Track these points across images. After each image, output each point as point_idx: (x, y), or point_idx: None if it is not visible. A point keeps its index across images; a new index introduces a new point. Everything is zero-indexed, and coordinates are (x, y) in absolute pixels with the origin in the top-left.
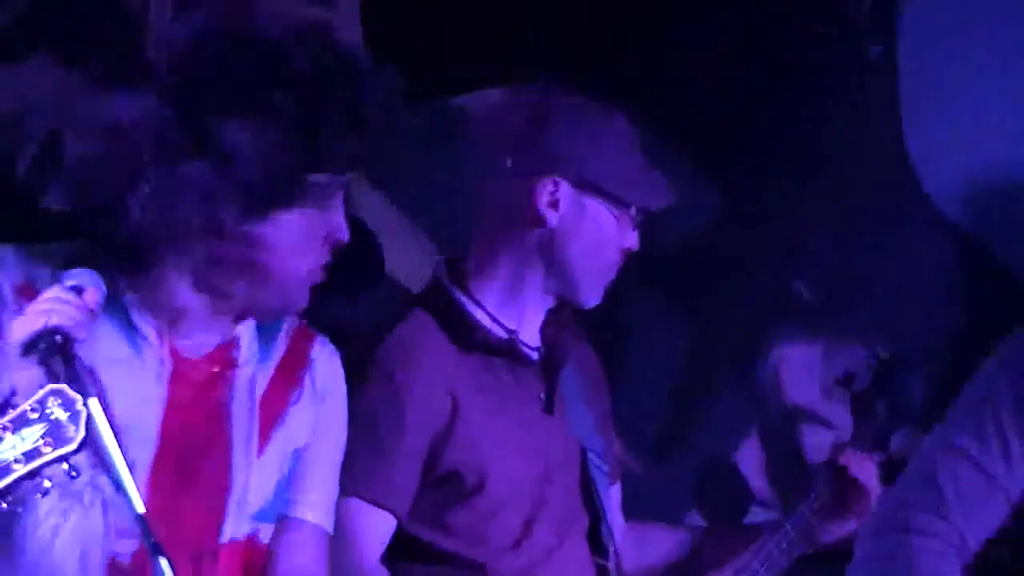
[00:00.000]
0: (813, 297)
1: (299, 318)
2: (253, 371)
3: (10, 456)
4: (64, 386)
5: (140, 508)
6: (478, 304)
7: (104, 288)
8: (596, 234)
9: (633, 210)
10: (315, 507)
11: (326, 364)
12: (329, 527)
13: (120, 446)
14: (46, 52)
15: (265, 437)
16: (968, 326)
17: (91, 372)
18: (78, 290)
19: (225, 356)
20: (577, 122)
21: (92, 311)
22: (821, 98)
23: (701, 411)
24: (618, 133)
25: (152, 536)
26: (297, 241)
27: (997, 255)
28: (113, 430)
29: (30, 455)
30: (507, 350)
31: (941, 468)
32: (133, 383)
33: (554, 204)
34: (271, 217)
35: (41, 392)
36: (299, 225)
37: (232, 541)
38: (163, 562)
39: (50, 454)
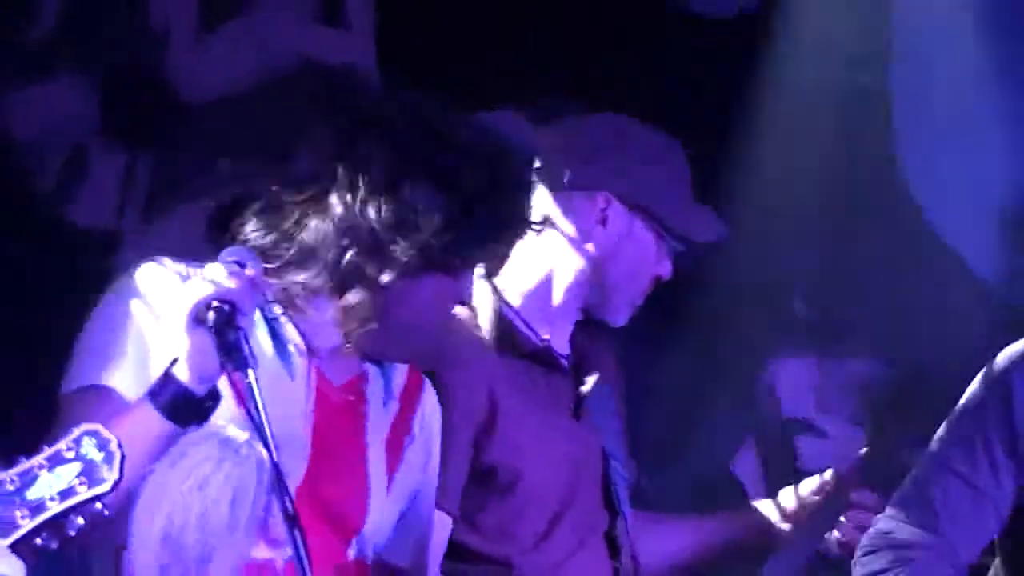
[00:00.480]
0: (810, 313)
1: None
2: (378, 407)
3: (46, 494)
4: (99, 426)
5: (287, 487)
6: (516, 312)
7: (261, 266)
8: (638, 257)
9: (670, 239)
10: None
11: (432, 408)
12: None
13: (270, 426)
14: (72, 72)
15: (392, 471)
16: (963, 345)
17: (249, 345)
18: (240, 264)
19: (358, 388)
20: (642, 145)
21: (256, 284)
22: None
23: (700, 422)
24: (675, 162)
25: (294, 510)
26: (432, 301)
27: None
28: (267, 415)
29: (65, 494)
30: (542, 357)
31: (933, 485)
32: (285, 399)
33: (603, 221)
34: (422, 278)
35: (76, 432)
36: (439, 287)
37: (358, 560)
38: (299, 539)
39: (84, 493)
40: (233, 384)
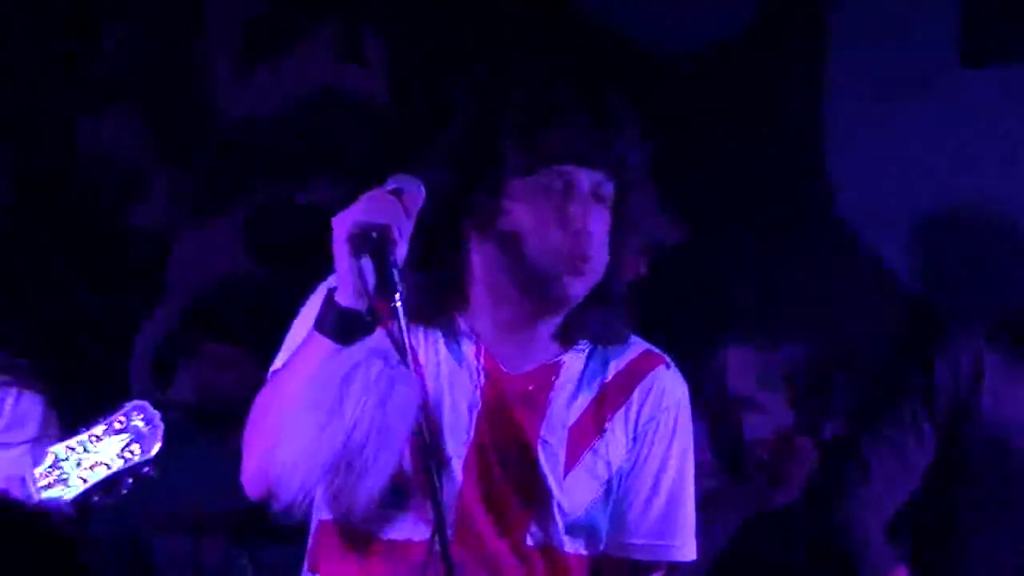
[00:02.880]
0: (750, 303)
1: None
2: (572, 395)
3: (103, 458)
4: (145, 403)
5: (431, 411)
6: None
7: (423, 193)
8: None
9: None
10: (639, 551)
11: (661, 392)
12: (656, 556)
13: (410, 346)
14: (130, 99)
15: (572, 462)
16: (885, 332)
17: (399, 273)
18: (398, 192)
19: (544, 378)
20: None
21: (408, 212)
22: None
23: None
24: None
25: (435, 437)
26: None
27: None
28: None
29: (118, 459)
30: None
31: (868, 448)
32: (451, 382)
33: None
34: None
35: (127, 406)
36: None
37: (539, 546)
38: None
39: (135, 459)
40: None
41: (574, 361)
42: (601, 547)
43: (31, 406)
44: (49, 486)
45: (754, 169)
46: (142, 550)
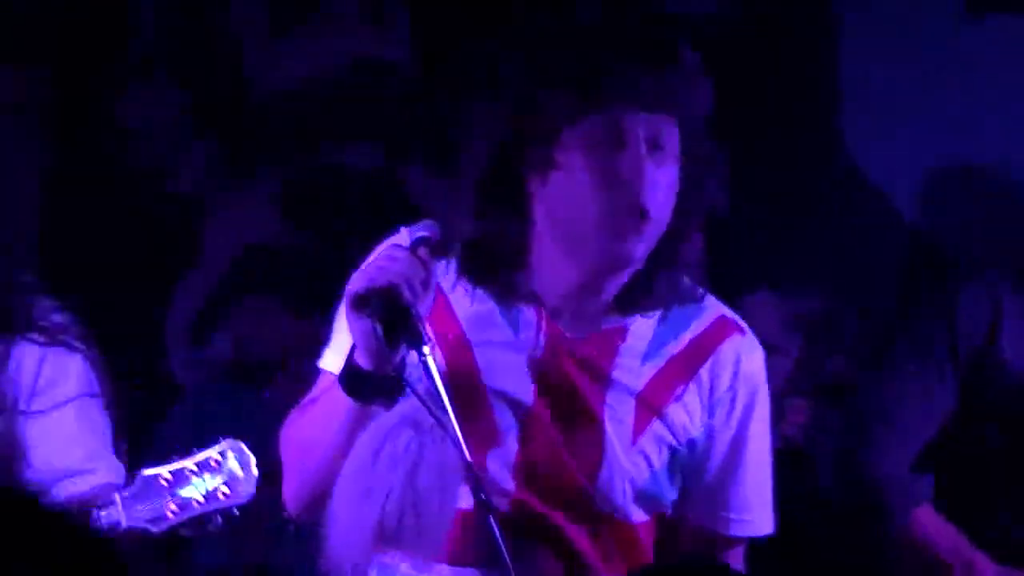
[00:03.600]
0: (771, 256)
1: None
2: (638, 362)
3: (194, 496)
4: (242, 444)
5: (467, 456)
6: None
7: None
8: None
9: None
10: (720, 524)
11: (736, 361)
12: (733, 531)
13: (450, 400)
14: (166, 72)
15: (640, 429)
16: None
17: (423, 324)
18: (422, 242)
19: (608, 344)
20: None
21: (427, 266)
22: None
23: None
24: None
25: (483, 492)
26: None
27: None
28: (445, 384)
29: (209, 498)
30: None
31: (889, 386)
32: (507, 356)
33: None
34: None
35: (223, 445)
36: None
37: (605, 513)
38: (493, 523)
39: (226, 501)
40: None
41: (642, 327)
42: (668, 514)
43: (63, 366)
44: (139, 515)
45: (765, 127)
46: None
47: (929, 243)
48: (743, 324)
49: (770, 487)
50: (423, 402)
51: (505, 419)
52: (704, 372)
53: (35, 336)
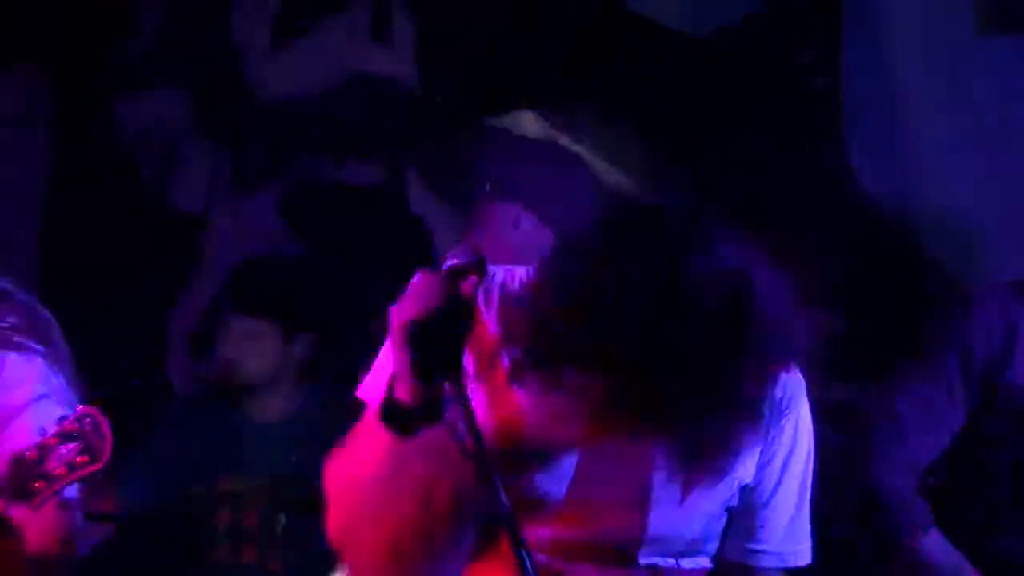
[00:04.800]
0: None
1: None
2: None
3: (58, 465)
4: (94, 409)
5: (504, 500)
6: None
7: (478, 261)
8: None
9: None
10: (763, 558)
11: (781, 394)
12: (790, 562)
13: (493, 439)
14: (166, 81)
15: (693, 482)
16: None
17: (463, 356)
18: (457, 272)
19: None
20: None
21: (464, 297)
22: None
23: None
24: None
25: (514, 526)
26: None
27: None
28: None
29: (71, 467)
30: None
31: (901, 406)
32: (551, 397)
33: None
34: None
35: (79, 411)
36: None
37: (651, 567)
38: (526, 560)
39: (86, 467)
40: (447, 393)
41: None
42: (715, 560)
43: (20, 370)
44: (11, 496)
45: (773, 144)
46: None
47: (937, 261)
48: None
49: (808, 517)
50: (458, 437)
51: (548, 461)
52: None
53: None
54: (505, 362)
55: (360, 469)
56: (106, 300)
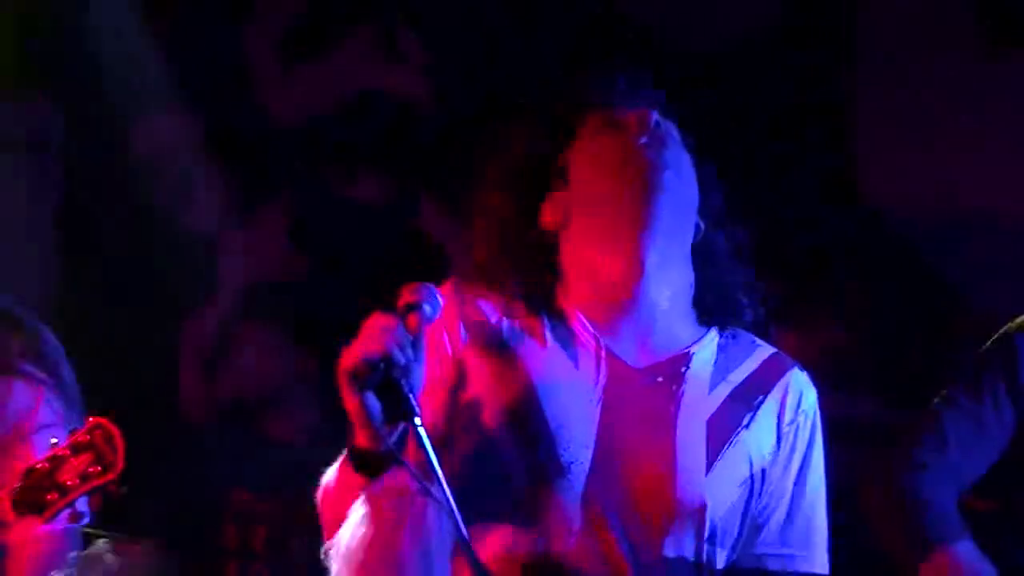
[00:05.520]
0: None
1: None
2: (706, 390)
3: (70, 477)
4: (105, 420)
5: (464, 532)
6: None
7: (438, 304)
8: None
9: None
10: (778, 562)
11: (799, 393)
12: (802, 567)
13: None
14: (180, 104)
15: (713, 455)
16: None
17: (412, 395)
18: (407, 308)
19: (673, 370)
20: None
21: (414, 334)
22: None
23: None
24: None
25: (475, 556)
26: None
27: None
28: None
29: (84, 478)
30: None
31: (946, 419)
32: (567, 386)
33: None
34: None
35: (90, 423)
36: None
37: (680, 558)
38: None
39: (98, 478)
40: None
41: (703, 353)
42: (734, 555)
43: (27, 397)
44: (24, 508)
45: (785, 167)
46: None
47: (943, 280)
48: (796, 361)
49: (825, 524)
50: (416, 477)
51: (569, 452)
52: (768, 403)
53: None
54: (504, 331)
55: (341, 502)
56: (119, 322)
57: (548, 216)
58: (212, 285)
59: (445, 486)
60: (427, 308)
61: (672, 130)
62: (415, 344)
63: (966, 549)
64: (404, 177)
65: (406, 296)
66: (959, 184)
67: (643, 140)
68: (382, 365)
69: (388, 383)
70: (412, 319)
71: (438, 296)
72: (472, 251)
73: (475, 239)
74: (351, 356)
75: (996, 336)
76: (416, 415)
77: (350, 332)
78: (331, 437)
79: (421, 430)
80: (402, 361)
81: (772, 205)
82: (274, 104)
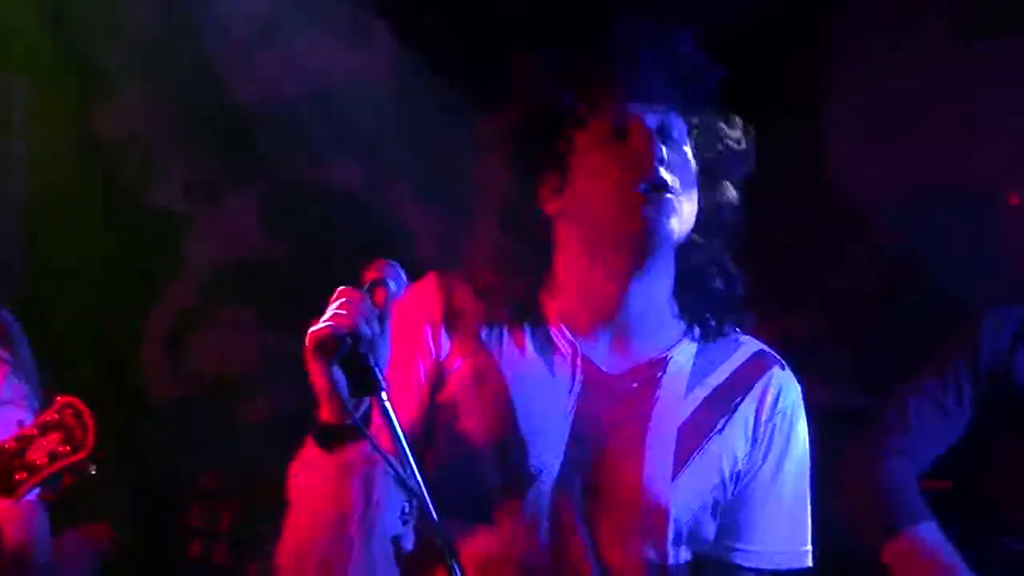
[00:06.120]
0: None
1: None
2: (681, 394)
3: (39, 456)
4: (74, 399)
5: (431, 509)
6: None
7: (402, 281)
8: None
9: None
10: (751, 558)
11: (777, 393)
12: (785, 564)
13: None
14: (147, 85)
15: (682, 461)
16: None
17: (378, 370)
18: (378, 284)
19: (649, 374)
20: None
21: (380, 311)
22: None
23: None
24: None
25: (444, 536)
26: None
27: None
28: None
29: (53, 456)
30: None
31: (911, 404)
32: (542, 393)
33: None
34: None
35: (59, 403)
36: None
37: (646, 562)
38: (456, 568)
39: (68, 456)
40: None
41: (681, 356)
42: (705, 552)
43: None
44: None
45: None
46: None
47: (916, 264)
48: (781, 360)
49: (808, 520)
50: (380, 453)
51: (540, 460)
52: (746, 405)
53: None
54: (484, 334)
55: (305, 485)
56: (86, 302)
57: (545, 199)
58: (179, 265)
59: (412, 461)
60: (391, 284)
61: (681, 135)
62: (381, 319)
63: (928, 530)
64: (374, 161)
65: (371, 273)
66: (936, 172)
67: (642, 188)
68: (349, 340)
69: (355, 356)
70: (379, 294)
71: (402, 274)
72: (472, 239)
73: (476, 216)
74: (319, 329)
75: (960, 327)
76: (383, 389)
77: (319, 314)
78: (300, 420)
79: (387, 404)
80: (369, 335)
81: (748, 198)
82: (243, 85)
